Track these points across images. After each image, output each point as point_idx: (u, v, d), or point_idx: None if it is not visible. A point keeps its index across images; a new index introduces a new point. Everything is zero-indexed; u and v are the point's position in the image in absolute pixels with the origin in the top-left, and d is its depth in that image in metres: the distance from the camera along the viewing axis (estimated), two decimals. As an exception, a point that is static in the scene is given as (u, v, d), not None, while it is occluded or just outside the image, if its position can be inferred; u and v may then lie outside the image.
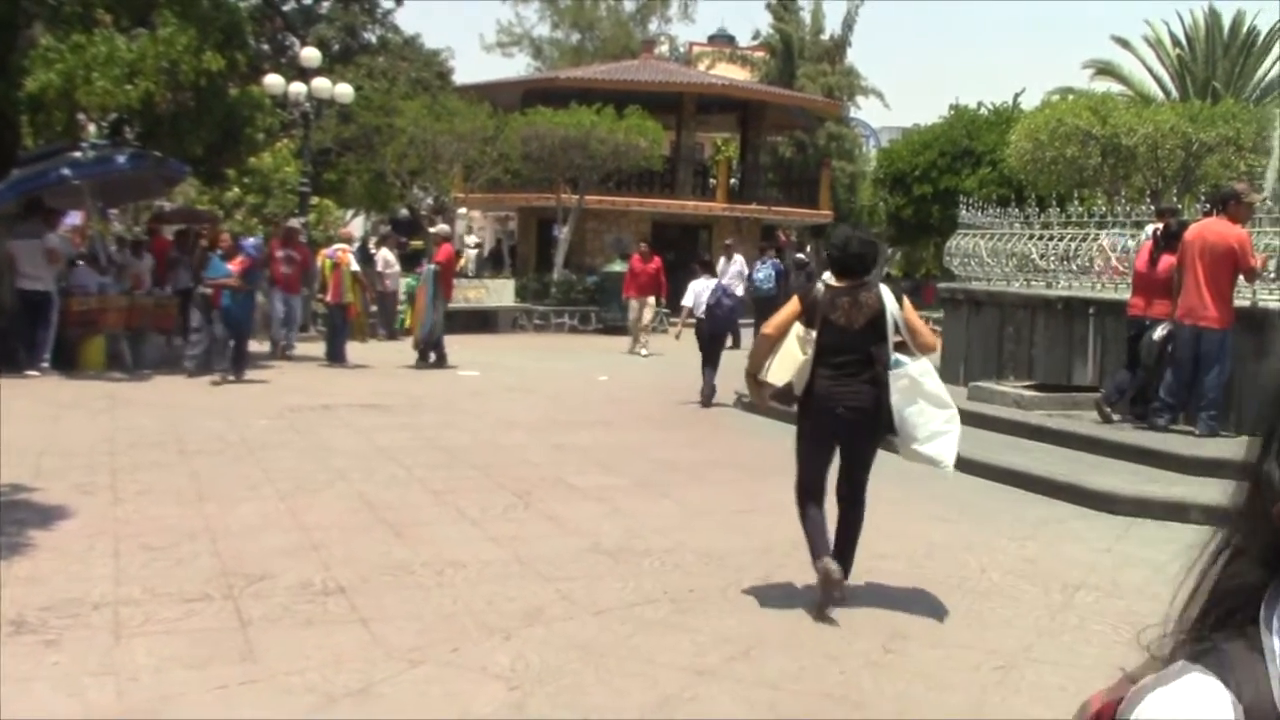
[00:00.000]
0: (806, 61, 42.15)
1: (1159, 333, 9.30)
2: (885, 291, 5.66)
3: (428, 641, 4.79)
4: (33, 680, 4.24)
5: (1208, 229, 9.22)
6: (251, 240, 14.24)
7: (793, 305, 5.76)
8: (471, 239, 25.48)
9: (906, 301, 5.76)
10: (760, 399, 6.04)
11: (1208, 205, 10.03)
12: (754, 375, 5.77)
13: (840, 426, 5.60)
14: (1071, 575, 6.13)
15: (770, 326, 5.75)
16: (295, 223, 17.89)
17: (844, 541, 5.71)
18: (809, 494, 5.67)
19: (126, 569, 5.69)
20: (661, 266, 19.94)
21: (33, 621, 4.84)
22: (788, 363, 5.63)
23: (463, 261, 24.66)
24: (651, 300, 19.51)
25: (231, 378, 13.59)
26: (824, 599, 5.45)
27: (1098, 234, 11.75)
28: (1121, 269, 11.16)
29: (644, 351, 18.89)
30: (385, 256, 21.38)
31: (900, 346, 5.63)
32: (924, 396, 5.55)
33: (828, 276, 5.75)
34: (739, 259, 21.24)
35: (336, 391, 13.01)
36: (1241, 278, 9.14)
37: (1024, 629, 5.22)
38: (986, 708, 4.27)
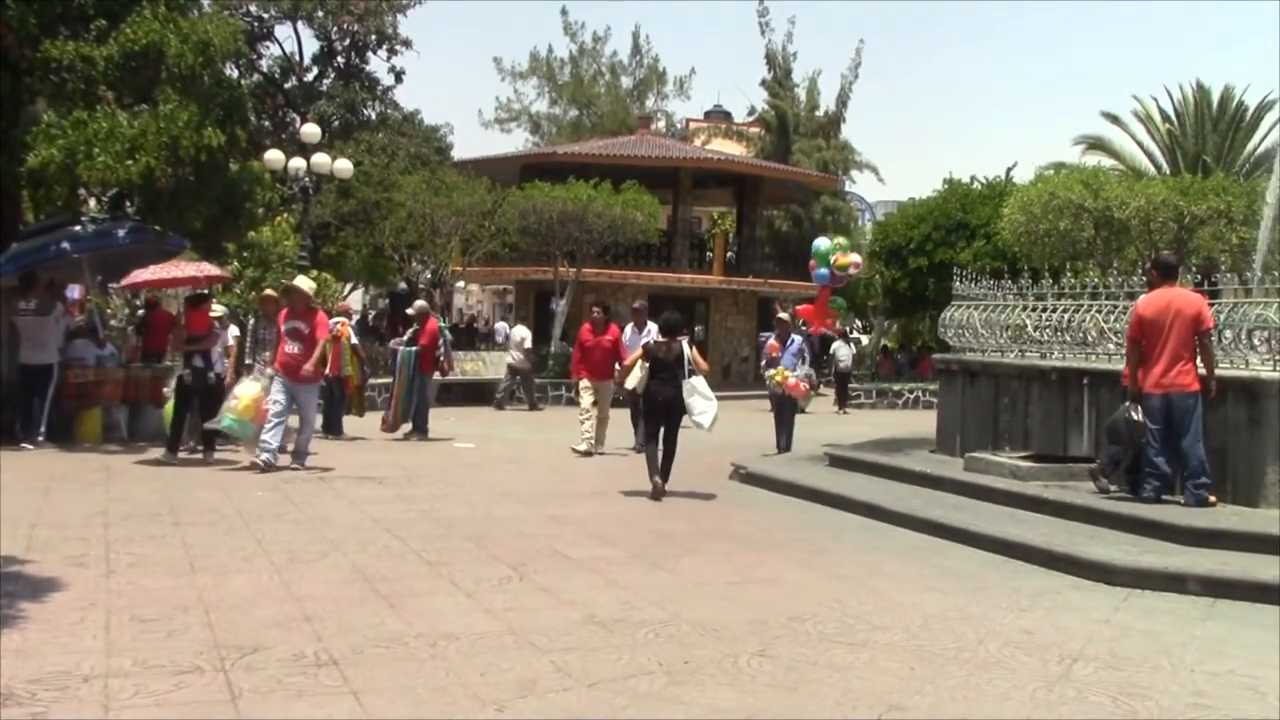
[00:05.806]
0: (801, 137, 42.62)
1: (1130, 414, 9.33)
2: (684, 343, 11.37)
3: (420, 714, 4.75)
4: (20, 754, 4.19)
5: (1176, 297, 9.34)
6: None
7: (639, 351, 11.65)
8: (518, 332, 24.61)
9: (694, 349, 11.55)
10: (623, 395, 12.42)
11: (1150, 275, 9.89)
12: (621, 384, 12.02)
13: (660, 407, 11.17)
14: (1069, 646, 6.08)
15: (629, 361, 11.94)
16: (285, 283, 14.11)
17: (666, 465, 11.19)
18: (649, 441, 11.29)
19: (117, 641, 5.65)
20: (619, 338, 15.34)
21: (21, 694, 4.79)
22: (636, 377, 11.31)
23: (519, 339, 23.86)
24: (610, 384, 14.70)
25: None
26: (655, 497, 10.88)
27: (1090, 305, 11.82)
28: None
29: (598, 448, 14.87)
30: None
31: (690, 372, 11.15)
32: (699, 394, 11.08)
33: (657, 335, 11.79)
34: (651, 326, 14.81)
35: (332, 463, 12.99)
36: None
37: (1021, 700, 5.17)
38: (984, 780, 4.23)
